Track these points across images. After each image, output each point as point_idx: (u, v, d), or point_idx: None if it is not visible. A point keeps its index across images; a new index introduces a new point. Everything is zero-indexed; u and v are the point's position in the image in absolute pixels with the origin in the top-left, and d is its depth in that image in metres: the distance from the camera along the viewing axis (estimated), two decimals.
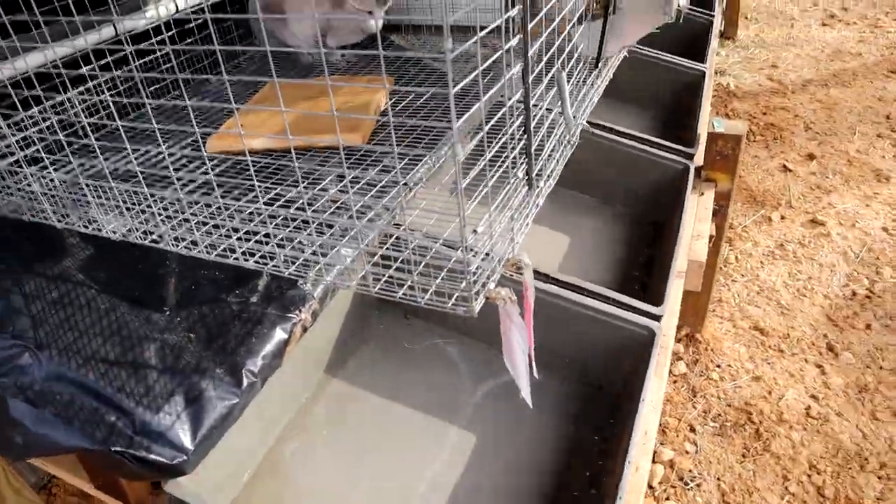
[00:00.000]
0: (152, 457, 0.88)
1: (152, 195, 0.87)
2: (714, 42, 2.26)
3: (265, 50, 0.63)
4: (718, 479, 1.75)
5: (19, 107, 0.95)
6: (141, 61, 1.23)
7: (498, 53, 0.57)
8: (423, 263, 0.68)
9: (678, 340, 2.10)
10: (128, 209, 0.94)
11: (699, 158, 1.78)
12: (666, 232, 1.78)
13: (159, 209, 0.93)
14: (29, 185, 0.92)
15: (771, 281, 2.30)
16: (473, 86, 0.56)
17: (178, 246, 0.84)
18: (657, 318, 1.27)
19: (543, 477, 1.22)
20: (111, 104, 1.20)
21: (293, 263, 0.84)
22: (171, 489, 0.94)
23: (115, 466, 0.92)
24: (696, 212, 1.70)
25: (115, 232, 0.88)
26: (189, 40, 1.35)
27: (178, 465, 0.90)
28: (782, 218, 2.53)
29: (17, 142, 0.90)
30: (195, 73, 1.38)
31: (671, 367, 2.05)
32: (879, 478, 1.73)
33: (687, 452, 1.82)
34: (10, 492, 1.34)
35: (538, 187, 0.76)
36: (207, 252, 0.82)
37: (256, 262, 0.82)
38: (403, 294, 0.69)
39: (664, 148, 1.74)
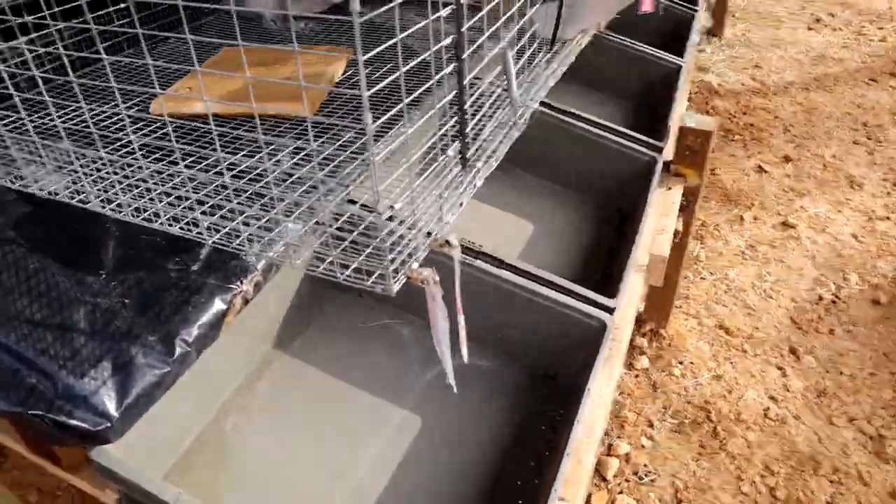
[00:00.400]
0: (73, 422, 0.85)
1: (81, 154, 0.83)
2: (695, 36, 2.24)
3: (230, 8, 0.61)
4: (673, 475, 1.75)
5: None
6: (95, 14, 1.18)
7: (423, 23, 0.55)
8: (346, 242, 0.65)
9: (643, 335, 2.09)
10: (59, 168, 0.91)
11: (668, 153, 1.76)
12: (631, 224, 1.76)
13: (92, 170, 0.89)
14: None
15: (739, 280, 2.30)
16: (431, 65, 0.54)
17: (104, 208, 0.81)
18: (610, 310, 1.26)
19: (488, 464, 1.20)
20: (64, 56, 1.16)
21: (223, 233, 0.81)
22: (97, 457, 0.91)
23: (33, 430, 0.89)
24: (663, 206, 1.69)
25: (41, 190, 0.85)
26: None
27: (101, 433, 0.87)
28: (755, 219, 2.52)
29: None
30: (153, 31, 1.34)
31: (633, 361, 2.04)
32: (831, 482, 1.73)
33: (643, 447, 1.81)
34: None
35: (474, 167, 0.73)
36: (133, 216, 0.79)
37: (182, 228, 0.79)
38: (323, 269, 0.67)
39: (632, 139, 1.73)
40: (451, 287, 0.68)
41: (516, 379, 1.34)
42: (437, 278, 0.65)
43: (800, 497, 1.70)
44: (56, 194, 0.88)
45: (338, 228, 0.67)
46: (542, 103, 1.69)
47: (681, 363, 2.02)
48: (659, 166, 1.67)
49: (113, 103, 1.07)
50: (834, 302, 2.21)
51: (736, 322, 2.15)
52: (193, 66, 1.25)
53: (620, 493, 1.72)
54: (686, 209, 1.83)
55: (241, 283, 1.06)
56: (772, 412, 1.88)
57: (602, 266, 1.65)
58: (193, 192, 0.81)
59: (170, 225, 0.79)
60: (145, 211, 0.82)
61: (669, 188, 1.76)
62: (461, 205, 0.69)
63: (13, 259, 0.95)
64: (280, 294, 1.32)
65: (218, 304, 1.02)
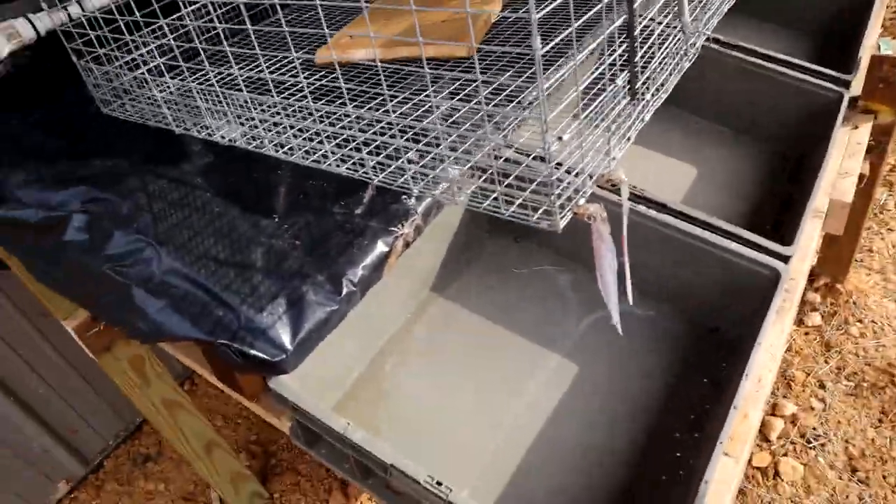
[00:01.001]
0: (254, 352, 0.92)
1: (258, 102, 0.88)
2: None
3: None
4: (847, 441, 1.61)
5: (139, 25, 0.99)
6: None
7: None
8: (512, 175, 0.64)
9: (816, 290, 1.92)
10: (238, 116, 0.97)
11: (857, 87, 1.57)
12: (808, 168, 1.60)
13: (266, 116, 0.95)
14: (151, 91, 0.97)
15: None
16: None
17: (277, 151, 0.86)
18: (785, 258, 1.16)
19: (644, 413, 1.17)
20: (243, 7, 1.23)
21: (388, 172, 0.83)
22: (275, 386, 0.99)
23: (222, 358, 0.98)
24: (847, 147, 1.51)
25: (223, 137, 0.91)
26: None
27: (278, 363, 0.94)
28: None
29: (147, 53, 0.95)
30: None
31: (804, 317, 1.88)
32: None
33: (812, 409, 1.68)
34: (153, 375, 1.48)
35: (643, 100, 0.69)
36: (303, 158, 0.83)
37: (348, 168, 0.82)
38: (488, 205, 0.66)
39: (813, 73, 1.55)
40: (618, 225, 0.65)
41: (676, 330, 1.28)
42: (605, 214, 0.62)
43: None
44: (234, 141, 0.94)
45: (504, 162, 0.66)
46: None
47: (860, 321, 1.84)
48: (845, 102, 1.49)
49: (284, 51, 1.12)
50: None
51: None
52: (344, 22, 1.28)
53: (784, 455, 1.62)
54: (874, 150, 1.63)
55: (403, 226, 1.09)
56: None
57: (773, 214, 1.52)
58: (360, 133, 0.84)
59: (337, 166, 0.82)
60: (315, 153, 0.85)
61: (856, 127, 1.57)
62: (629, 140, 0.66)
63: (201, 203, 1.04)
64: (438, 238, 1.35)
65: (381, 247, 1.06)
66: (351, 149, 0.82)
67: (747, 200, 1.54)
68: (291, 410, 1.02)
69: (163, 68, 0.95)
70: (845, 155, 1.49)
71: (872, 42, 1.67)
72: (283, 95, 0.90)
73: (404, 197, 1.13)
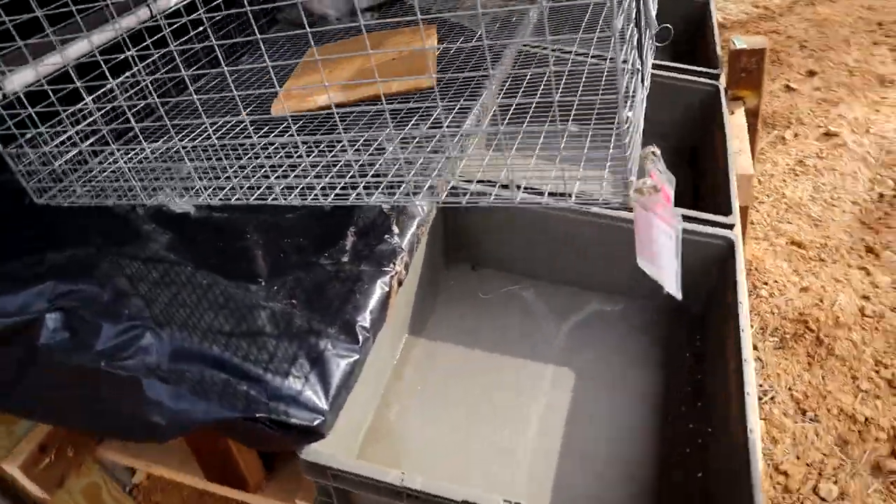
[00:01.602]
0: (293, 420, 0.87)
1: (256, 146, 0.85)
2: None
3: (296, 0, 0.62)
4: (790, 389, 1.77)
5: (82, 91, 0.92)
6: (179, 41, 1.20)
7: None
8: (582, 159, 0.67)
9: None
10: (221, 173, 0.92)
11: (723, 80, 1.78)
12: (703, 155, 1.78)
13: (249, 170, 0.91)
14: (116, 162, 0.89)
15: (797, 196, 2.32)
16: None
17: (287, 198, 0.82)
18: (730, 226, 1.28)
19: (647, 397, 1.22)
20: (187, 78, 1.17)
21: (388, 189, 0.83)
22: (308, 455, 0.93)
23: (251, 437, 0.91)
24: (732, 130, 1.71)
25: (212, 197, 0.86)
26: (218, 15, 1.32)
27: (317, 427, 0.89)
28: (796, 136, 2.55)
29: (97, 121, 0.88)
30: (227, 52, 1.35)
31: None
32: None
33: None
34: (111, 502, 1.32)
35: (646, 87, 0.75)
36: (324, 196, 0.81)
37: (337, 196, 0.80)
38: (564, 194, 0.68)
39: (690, 72, 1.75)
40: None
41: (650, 316, 1.36)
42: (658, 187, 0.66)
43: None
44: (230, 196, 0.88)
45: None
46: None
47: (766, 284, 2.04)
48: (723, 93, 1.69)
49: (223, 114, 1.08)
50: None
51: (806, 235, 2.18)
52: (286, 73, 1.26)
53: None
54: (749, 130, 1.85)
55: (394, 264, 1.08)
56: (868, 310, 1.91)
57: (689, 200, 1.67)
58: (356, 164, 0.83)
59: (324, 196, 0.80)
60: (312, 190, 0.83)
61: (732, 112, 1.78)
62: (641, 125, 0.71)
63: (185, 279, 0.97)
64: (408, 280, 1.33)
65: (380, 288, 1.04)
66: (345, 176, 0.81)
67: None
68: (330, 479, 0.95)
69: (107, 138, 0.88)
70: (734, 137, 1.68)
71: (719, 43, 1.91)
72: (272, 149, 0.87)
73: (387, 236, 1.12)
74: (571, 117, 0.75)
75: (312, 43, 0.79)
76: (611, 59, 0.54)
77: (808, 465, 1.63)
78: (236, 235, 1.11)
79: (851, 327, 1.88)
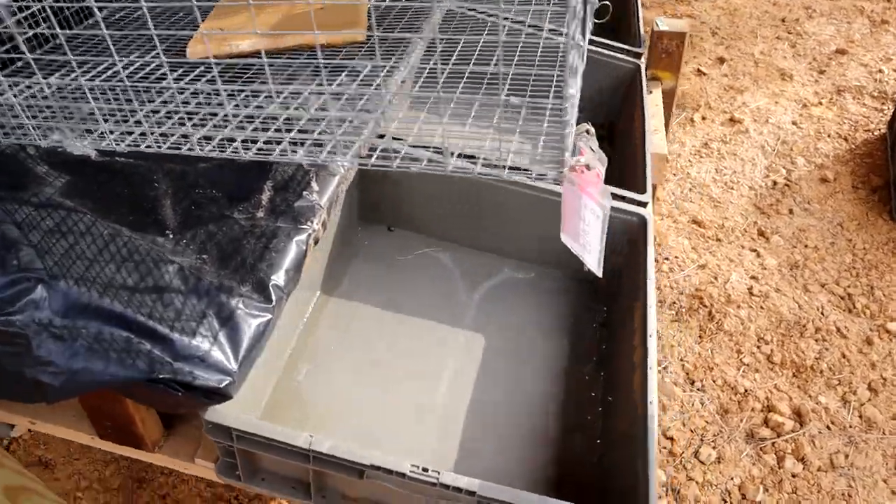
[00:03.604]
0: (198, 382, 0.83)
1: (172, 90, 0.78)
2: None
3: None
4: (681, 359, 1.88)
5: None
6: None
7: None
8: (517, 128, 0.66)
9: None
10: (130, 117, 0.85)
11: (643, 59, 1.82)
12: (620, 132, 1.83)
13: (163, 116, 0.84)
14: (2, 94, 0.80)
15: (701, 177, 2.43)
16: None
17: (204, 149, 0.77)
18: (644, 204, 1.32)
19: (554, 364, 1.26)
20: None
21: (312, 146, 0.79)
22: (212, 416, 0.89)
23: (154, 398, 0.86)
24: (649, 109, 1.76)
25: (119, 142, 0.79)
26: None
27: (224, 389, 0.85)
28: (703, 119, 2.66)
29: None
30: None
31: None
32: (816, 340, 1.92)
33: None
34: None
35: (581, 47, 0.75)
36: (245, 149, 0.76)
37: (259, 151, 0.77)
38: (496, 167, 0.67)
39: (613, 48, 1.77)
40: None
41: (560, 285, 1.39)
42: (592, 165, 0.67)
43: (793, 358, 1.87)
44: (140, 141, 0.82)
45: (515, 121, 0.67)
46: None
47: (667, 259, 2.14)
48: (643, 72, 1.73)
49: (150, 53, 1.00)
50: (787, 185, 2.39)
51: (706, 215, 2.29)
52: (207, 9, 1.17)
53: None
54: (665, 111, 1.91)
55: (312, 222, 1.05)
56: (755, 289, 2.04)
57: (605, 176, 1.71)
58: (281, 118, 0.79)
59: (246, 150, 0.76)
60: (227, 141, 0.78)
61: (650, 92, 1.82)
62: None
63: (85, 228, 0.89)
64: (323, 240, 1.30)
65: (297, 246, 1.01)
66: (269, 129, 0.77)
67: None
68: (233, 441, 0.93)
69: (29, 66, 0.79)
70: (648, 116, 1.73)
71: (642, 23, 1.95)
72: (187, 81, 0.80)
73: (306, 193, 1.08)
74: (506, 88, 0.74)
75: None
76: (565, 33, 0.53)
77: (692, 431, 1.74)
78: (143, 183, 1.04)
79: (740, 305, 2.01)
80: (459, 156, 0.71)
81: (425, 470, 0.87)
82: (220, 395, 0.86)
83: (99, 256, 0.87)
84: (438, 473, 0.87)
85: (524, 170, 0.66)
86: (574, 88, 0.61)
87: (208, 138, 0.75)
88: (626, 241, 1.31)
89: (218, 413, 0.90)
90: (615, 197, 1.31)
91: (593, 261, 0.74)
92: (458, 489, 0.87)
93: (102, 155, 1.03)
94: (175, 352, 0.83)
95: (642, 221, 1.29)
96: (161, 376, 0.80)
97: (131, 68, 1.02)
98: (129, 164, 1.04)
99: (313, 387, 1.18)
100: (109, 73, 0.99)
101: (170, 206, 1.00)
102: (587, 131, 0.68)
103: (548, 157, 0.64)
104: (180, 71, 0.99)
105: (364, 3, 1.10)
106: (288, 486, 1.01)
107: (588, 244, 0.72)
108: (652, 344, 1.08)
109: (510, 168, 0.66)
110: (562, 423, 1.18)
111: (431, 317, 1.31)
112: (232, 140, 0.75)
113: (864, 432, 1.74)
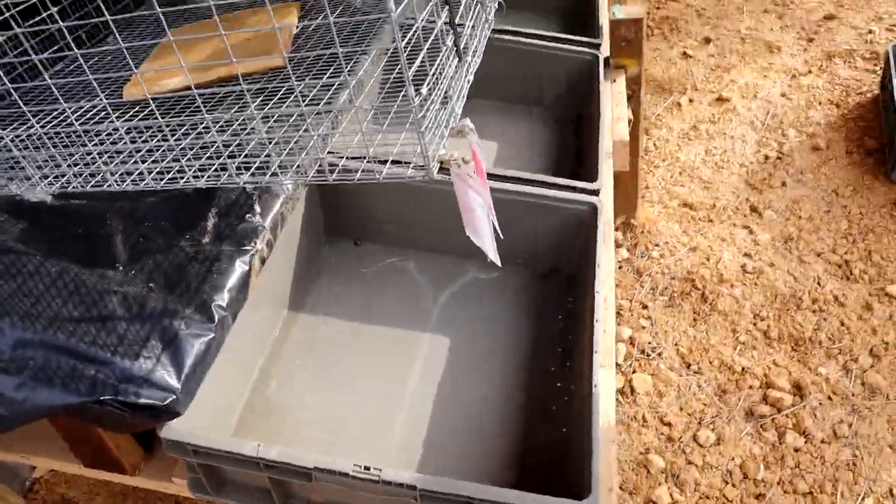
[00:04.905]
0: (142, 400, 0.88)
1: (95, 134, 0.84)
2: None
3: None
4: (676, 344, 1.87)
5: None
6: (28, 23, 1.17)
7: None
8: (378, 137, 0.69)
9: (616, 229, 2.20)
10: (61, 163, 0.92)
11: (606, 49, 1.84)
12: (587, 123, 1.84)
13: (93, 156, 0.91)
14: None
15: (690, 160, 2.42)
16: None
17: (123, 183, 0.83)
18: (595, 192, 1.33)
19: (520, 360, 1.28)
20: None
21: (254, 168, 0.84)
22: (168, 434, 0.94)
23: (104, 420, 0.92)
24: (613, 98, 1.77)
25: (52, 184, 0.85)
26: None
27: (170, 405, 0.90)
28: (690, 101, 2.64)
29: None
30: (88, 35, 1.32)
31: (615, 254, 2.14)
32: (813, 311, 1.88)
33: (643, 328, 1.93)
34: None
35: (467, 61, 0.78)
36: (195, 178, 0.81)
37: (208, 179, 0.82)
38: (361, 176, 0.71)
39: (571, 42, 1.79)
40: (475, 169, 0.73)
41: (523, 281, 1.41)
42: (467, 158, 0.70)
43: (791, 332, 1.84)
44: (69, 184, 0.88)
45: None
46: None
47: (657, 245, 2.13)
48: (601, 62, 1.74)
49: (76, 99, 1.07)
50: (779, 158, 2.36)
51: (697, 197, 2.28)
52: (143, 58, 1.25)
53: (634, 372, 1.83)
54: (632, 98, 1.91)
55: (255, 243, 1.09)
56: (749, 266, 2.02)
57: (571, 167, 1.73)
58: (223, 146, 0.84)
59: (195, 178, 0.82)
60: (171, 172, 0.84)
61: (614, 80, 1.84)
62: (464, 97, 0.74)
63: (33, 268, 0.96)
64: (282, 256, 1.35)
65: (240, 267, 1.05)
66: (212, 157, 0.82)
67: (548, 159, 1.73)
68: (192, 455, 0.97)
69: None
70: (613, 104, 1.74)
71: (605, 12, 1.96)
72: (127, 118, 0.86)
73: (248, 215, 1.13)
74: (383, 91, 0.77)
75: (166, 26, 0.79)
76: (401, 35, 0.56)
77: (689, 414, 1.73)
78: (96, 222, 1.10)
79: (734, 283, 1.99)
80: (396, 163, 0.74)
81: (367, 468, 0.90)
82: (167, 413, 0.91)
83: (46, 293, 0.93)
84: (380, 471, 0.90)
85: (399, 169, 0.69)
86: (425, 89, 0.64)
87: (161, 172, 0.81)
88: (580, 232, 1.33)
89: (173, 430, 0.95)
90: (563, 188, 1.32)
91: (490, 249, 0.77)
92: (400, 484, 0.90)
93: (57, 199, 1.10)
94: (118, 374, 0.88)
95: (593, 209, 1.30)
96: (104, 398, 0.86)
97: (79, 112, 1.09)
98: (84, 206, 1.11)
99: (285, 400, 1.22)
100: (60, 118, 1.07)
101: (120, 242, 1.06)
102: (468, 126, 0.71)
103: (412, 155, 0.67)
104: (129, 113, 1.06)
105: (291, 27, 1.15)
106: (254, 496, 1.05)
107: (482, 235, 0.75)
108: (598, 328, 1.09)
109: (387, 174, 0.70)
110: (528, 416, 1.20)
111: (398, 324, 1.34)
112: (183, 172, 0.81)
113: (868, 399, 1.70)
